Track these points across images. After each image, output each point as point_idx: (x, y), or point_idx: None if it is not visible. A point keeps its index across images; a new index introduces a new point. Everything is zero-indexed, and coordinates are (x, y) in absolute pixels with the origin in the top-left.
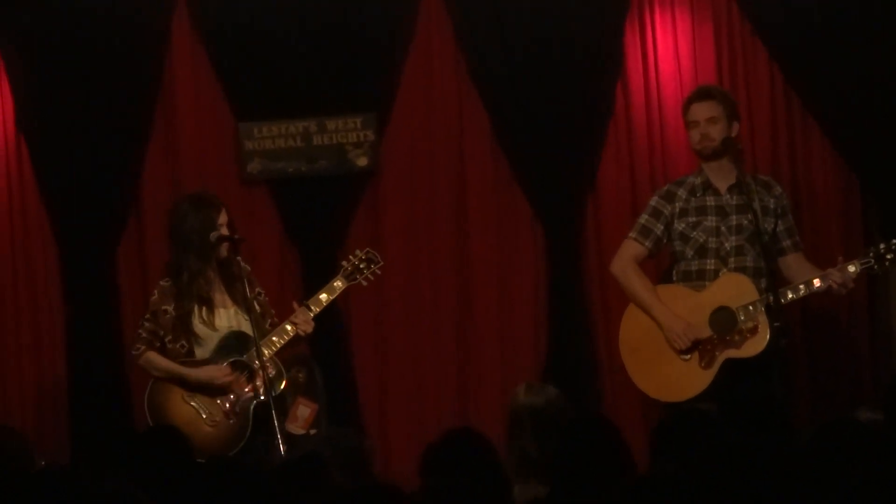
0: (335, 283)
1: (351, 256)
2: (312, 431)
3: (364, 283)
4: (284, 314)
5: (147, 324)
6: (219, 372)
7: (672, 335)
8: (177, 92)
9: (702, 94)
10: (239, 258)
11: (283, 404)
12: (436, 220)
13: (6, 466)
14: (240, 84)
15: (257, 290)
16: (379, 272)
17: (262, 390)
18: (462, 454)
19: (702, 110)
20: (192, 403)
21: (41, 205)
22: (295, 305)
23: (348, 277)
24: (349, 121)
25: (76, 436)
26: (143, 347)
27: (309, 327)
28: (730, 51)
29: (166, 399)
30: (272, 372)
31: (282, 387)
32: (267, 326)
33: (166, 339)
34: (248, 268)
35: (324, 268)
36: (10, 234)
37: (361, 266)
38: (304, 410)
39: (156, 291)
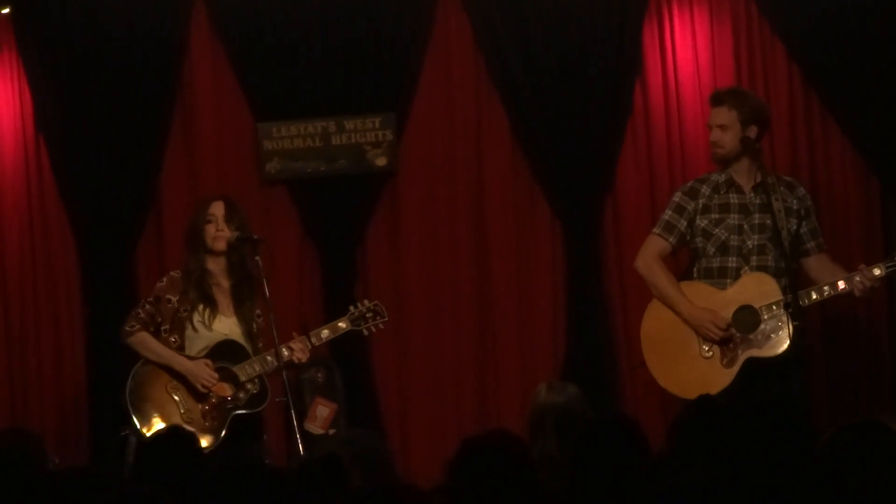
0: (339, 324)
1: (359, 303)
2: (331, 431)
3: (365, 333)
4: (305, 313)
5: (148, 306)
6: (204, 371)
7: (703, 329)
8: (196, 92)
9: (714, 100)
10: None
11: (260, 421)
12: (455, 220)
13: (19, 469)
14: (258, 84)
15: (257, 311)
16: (382, 327)
17: (242, 402)
18: (495, 455)
19: (713, 116)
20: (175, 396)
21: (60, 206)
22: (294, 334)
23: (354, 322)
24: (368, 120)
25: (96, 436)
26: (138, 326)
27: (304, 356)
28: (748, 50)
29: (150, 385)
30: (255, 389)
31: (263, 405)
32: (259, 346)
33: (162, 328)
34: (266, 291)
35: (343, 267)
36: (30, 234)
37: (368, 315)
38: (322, 410)
39: (164, 279)
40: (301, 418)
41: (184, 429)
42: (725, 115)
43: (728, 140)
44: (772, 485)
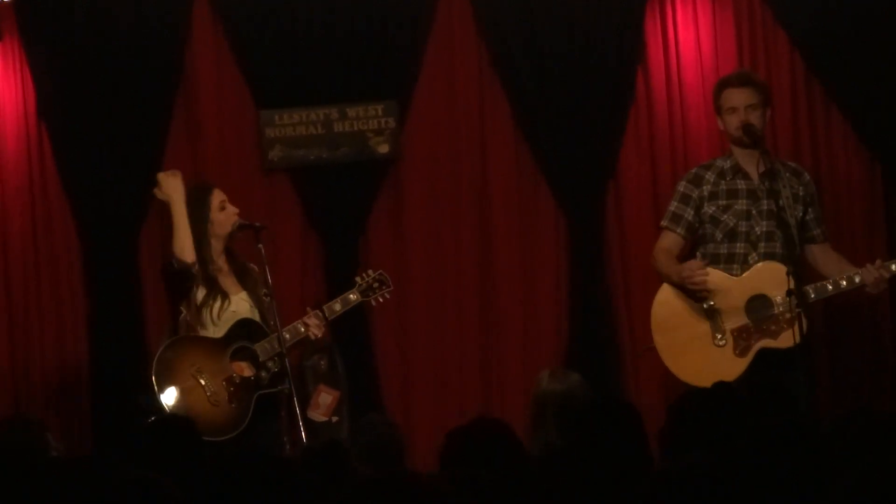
0: (350, 296)
1: (364, 274)
2: (334, 419)
3: (373, 304)
4: (308, 299)
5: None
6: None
7: (685, 274)
8: (198, 79)
9: (742, 80)
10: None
11: (276, 398)
12: (457, 207)
13: (23, 456)
14: (261, 71)
15: (263, 290)
16: (388, 296)
17: (265, 382)
18: (484, 443)
19: (742, 96)
20: (200, 380)
21: (62, 193)
22: (308, 309)
23: (363, 293)
24: (370, 108)
25: (98, 424)
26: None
27: (320, 332)
28: (751, 37)
29: (176, 369)
30: (276, 368)
31: (284, 384)
32: (270, 324)
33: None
34: (256, 267)
35: (346, 255)
36: (32, 223)
37: (374, 286)
38: (325, 398)
39: None
40: (304, 406)
41: (181, 416)
42: (756, 95)
43: (757, 120)
44: (767, 471)
